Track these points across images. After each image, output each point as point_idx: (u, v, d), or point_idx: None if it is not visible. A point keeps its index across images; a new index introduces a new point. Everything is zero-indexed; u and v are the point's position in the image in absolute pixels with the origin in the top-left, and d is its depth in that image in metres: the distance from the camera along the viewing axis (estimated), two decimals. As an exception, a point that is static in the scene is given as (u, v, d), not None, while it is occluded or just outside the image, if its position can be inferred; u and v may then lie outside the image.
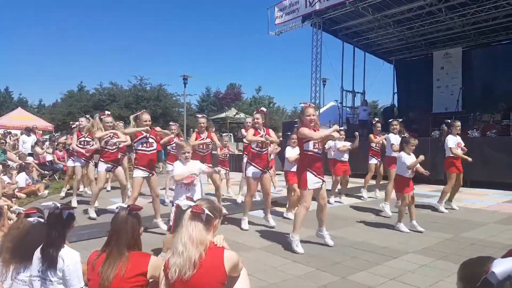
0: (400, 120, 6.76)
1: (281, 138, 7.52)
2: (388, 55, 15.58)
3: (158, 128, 5.17)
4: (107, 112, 5.99)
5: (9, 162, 8.40)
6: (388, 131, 6.60)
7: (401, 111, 14.76)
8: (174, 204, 3.58)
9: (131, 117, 5.03)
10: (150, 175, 4.77)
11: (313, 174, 3.97)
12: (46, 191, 7.82)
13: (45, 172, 10.04)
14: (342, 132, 6.91)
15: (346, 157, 6.94)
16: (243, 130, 7.14)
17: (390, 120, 6.79)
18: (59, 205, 2.16)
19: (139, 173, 4.73)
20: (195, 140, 5.44)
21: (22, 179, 7.65)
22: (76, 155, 6.81)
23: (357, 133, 7.35)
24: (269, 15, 13.72)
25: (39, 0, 67.95)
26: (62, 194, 7.62)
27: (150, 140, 4.79)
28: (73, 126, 8.20)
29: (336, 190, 7.38)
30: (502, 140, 8.86)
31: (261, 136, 4.92)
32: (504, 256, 1.10)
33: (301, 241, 4.15)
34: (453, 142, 6.11)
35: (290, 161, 5.40)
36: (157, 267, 1.93)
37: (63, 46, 72.64)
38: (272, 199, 5.53)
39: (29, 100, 45.07)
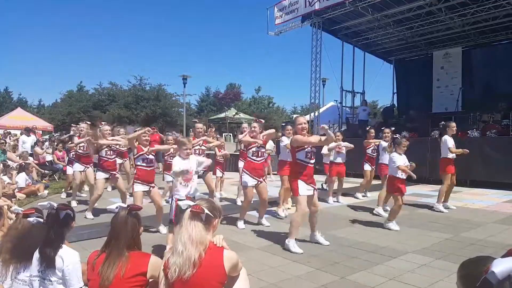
0: (393, 128, 6.82)
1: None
2: (388, 55, 15.57)
3: (157, 146, 5.40)
4: (103, 122, 6.28)
5: (9, 162, 8.40)
6: (381, 137, 6.73)
7: (400, 111, 14.76)
8: (174, 199, 3.64)
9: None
10: (151, 188, 4.82)
11: (304, 182, 4.03)
12: (46, 191, 7.82)
13: (46, 171, 10.05)
14: (338, 134, 7.08)
15: (340, 159, 6.98)
16: (240, 135, 7.19)
17: (382, 128, 6.92)
18: (55, 205, 2.15)
19: (139, 187, 4.75)
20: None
21: (22, 179, 7.65)
22: (75, 159, 6.85)
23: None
24: (269, 15, 13.73)
25: (39, 0, 67.94)
26: (63, 195, 7.64)
27: (150, 157, 4.87)
28: (72, 128, 8.25)
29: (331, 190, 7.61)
30: (502, 140, 8.86)
31: (257, 147, 5.11)
32: (504, 256, 1.10)
33: (301, 241, 4.19)
34: (452, 142, 6.17)
35: (287, 148, 5.43)
36: (157, 267, 1.93)
37: (63, 46, 72.76)
38: (269, 199, 5.58)
39: (29, 100, 45.15)
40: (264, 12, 13.85)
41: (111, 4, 72.21)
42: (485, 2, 10.44)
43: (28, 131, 11.66)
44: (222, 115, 23.78)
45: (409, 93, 14.92)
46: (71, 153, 7.23)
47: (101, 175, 5.80)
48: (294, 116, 4.51)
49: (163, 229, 4.75)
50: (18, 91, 57.35)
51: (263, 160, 5.22)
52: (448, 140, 6.17)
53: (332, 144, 6.75)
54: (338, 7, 11.79)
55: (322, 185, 8.69)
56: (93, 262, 1.93)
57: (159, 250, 3.86)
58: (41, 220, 2.27)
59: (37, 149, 10.40)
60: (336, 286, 3.05)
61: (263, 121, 5.42)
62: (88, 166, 6.70)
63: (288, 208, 5.99)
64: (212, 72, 72.42)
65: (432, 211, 6.10)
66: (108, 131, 5.92)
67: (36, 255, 2.03)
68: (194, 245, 1.78)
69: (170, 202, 3.97)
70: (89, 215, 5.69)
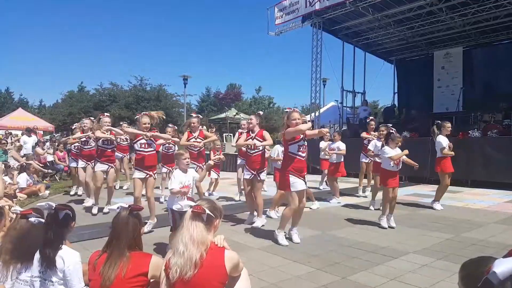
0: (390, 125, 6.82)
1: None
2: (389, 55, 15.56)
3: (157, 133, 5.31)
4: (106, 114, 6.28)
5: (11, 163, 8.41)
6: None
7: (401, 111, 14.74)
8: (169, 210, 3.72)
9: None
10: (148, 176, 4.84)
11: (296, 176, 4.05)
12: (47, 192, 7.84)
13: (49, 171, 10.09)
14: (335, 134, 7.28)
15: (333, 158, 7.05)
16: (237, 134, 7.32)
17: (380, 125, 6.99)
18: (54, 205, 2.15)
19: (137, 174, 4.86)
20: (187, 138, 5.72)
21: (23, 179, 7.67)
22: (80, 156, 6.86)
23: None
24: (269, 15, 13.72)
25: (39, 1, 68.06)
26: (78, 192, 7.75)
27: (149, 141, 4.91)
28: (73, 127, 8.25)
29: (321, 188, 8.15)
30: (503, 140, 8.85)
31: (252, 139, 5.12)
32: (505, 256, 1.10)
33: (302, 241, 4.20)
34: (446, 142, 6.20)
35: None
36: (158, 267, 1.93)
37: (63, 46, 72.78)
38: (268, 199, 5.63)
39: (30, 101, 45.17)
40: (265, 12, 13.87)
41: (111, 4, 72.33)
42: (486, 1, 10.42)
43: (29, 131, 11.69)
44: (223, 115, 23.75)
45: (410, 93, 14.90)
46: (73, 148, 7.26)
47: (99, 167, 5.89)
48: (287, 109, 4.31)
49: (149, 225, 4.70)
50: (19, 92, 57.43)
51: (256, 153, 5.13)
52: (443, 140, 6.21)
53: (323, 144, 7.45)
54: (339, 7, 11.79)
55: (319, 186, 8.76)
56: (94, 262, 1.94)
57: (160, 250, 3.86)
58: (42, 220, 2.27)
59: (38, 149, 10.42)
60: (337, 286, 3.05)
61: (261, 112, 5.43)
62: (89, 163, 6.52)
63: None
64: (213, 72, 72.45)
65: (432, 211, 6.10)
66: (108, 123, 5.93)
67: (37, 255, 2.03)
68: (196, 246, 1.78)
69: (167, 209, 3.98)
70: (95, 209, 5.92)
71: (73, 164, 7.77)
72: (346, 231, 4.84)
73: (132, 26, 74.01)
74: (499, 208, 6.38)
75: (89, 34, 71.27)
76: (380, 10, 11.59)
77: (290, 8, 13.13)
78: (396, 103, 15.73)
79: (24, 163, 8.54)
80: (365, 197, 7.44)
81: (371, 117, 7.53)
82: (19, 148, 10.48)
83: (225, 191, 8.37)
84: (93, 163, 6.58)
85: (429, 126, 10.21)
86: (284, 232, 4.30)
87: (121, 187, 8.83)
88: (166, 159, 7.22)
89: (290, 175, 4.05)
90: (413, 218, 5.63)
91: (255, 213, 5.19)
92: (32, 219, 2.24)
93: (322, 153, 7.76)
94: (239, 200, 7.17)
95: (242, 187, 6.12)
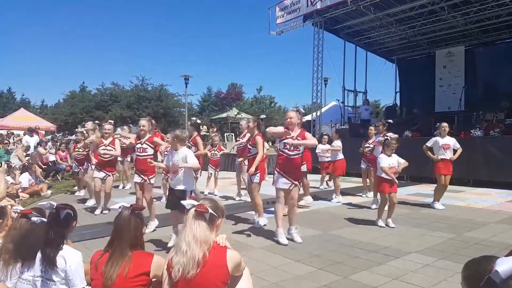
0: (387, 121, 6.89)
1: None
2: (390, 54, 15.53)
3: (156, 139, 5.23)
4: (109, 121, 6.47)
5: (13, 163, 8.44)
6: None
7: (403, 110, 14.72)
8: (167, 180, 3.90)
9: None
10: (142, 181, 4.91)
11: (281, 174, 4.27)
12: (49, 191, 7.86)
13: (54, 170, 10.14)
14: (325, 137, 7.97)
15: (327, 155, 7.65)
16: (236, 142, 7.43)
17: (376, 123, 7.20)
18: (55, 204, 2.15)
19: (135, 178, 5.04)
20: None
21: (25, 179, 7.70)
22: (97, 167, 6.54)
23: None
24: (270, 14, 13.71)
25: (42, 4, 68.23)
26: (82, 193, 7.74)
27: (144, 146, 4.98)
28: (77, 130, 8.36)
29: (322, 187, 8.33)
30: (505, 139, 8.81)
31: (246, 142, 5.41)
32: (507, 255, 1.09)
33: (305, 241, 4.19)
34: (442, 142, 6.28)
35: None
36: (160, 267, 1.93)
37: (64, 46, 73.02)
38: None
39: (32, 101, 45.29)
40: (266, 12, 13.87)
41: (111, 4, 72.43)
42: (488, 0, 10.38)
43: (31, 131, 11.73)
44: (224, 115, 23.76)
45: (412, 92, 14.87)
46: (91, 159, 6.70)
47: (97, 174, 5.96)
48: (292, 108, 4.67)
49: (151, 226, 4.76)
50: (21, 92, 57.47)
51: (252, 156, 5.20)
52: (436, 141, 6.32)
53: (321, 147, 7.88)
54: (340, 6, 11.77)
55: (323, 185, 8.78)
56: (96, 262, 1.94)
57: (160, 244, 3.86)
58: (45, 219, 2.27)
59: (40, 149, 10.45)
60: (338, 286, 3.04)
61: (264, 116, 5.61)
62: (109, 174, 6.13)
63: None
64: (214, 72, 72.45)
65: (434, 211, 6.08)
66: (107, 131, 5.98)
67: (39, 255, 2.04)
68: (199, 245, 1.78)
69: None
70: (97, 211, 5.99)
71: (77, 169, 7.74)
72: (347, 231, 4.83)
73: (132, 26, 74.20)
74: (501, 207, 6.36)
75: (89, 34, 71.53)
76: (382, 9, 11.56)
77: (291, 8, 13.12)
78: (398, 102, 15.71)
79: (27, 163, 8.57)
80: (367, 197, 7.45)
81: (371, 127, 7.34)
82: (27, 149, 10.48)
83: (225, 190, 8.38)
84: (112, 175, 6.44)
85: (431, 126, 10.25)
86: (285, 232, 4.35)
87: (123, 187, 8.88)
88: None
89: (275, 172, 4.36)
90: (415, 217, 5.62)
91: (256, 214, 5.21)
92: (34, 219, 2.25)
93: (321, 154, 7.92)
94: (240, 200, 7.18)
95: (243, 187, 6.15)
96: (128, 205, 2.08)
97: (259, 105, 41.32)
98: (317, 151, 7.87)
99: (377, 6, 11.41)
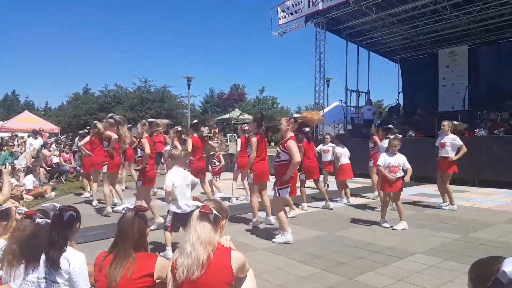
0: (387, 127, 6.86)
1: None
2: (393, 54, 15.48)
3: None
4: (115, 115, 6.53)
5: (17, 165, 8.49)
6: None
7: (406, 110, 14.65)
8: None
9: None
10: (136, 184, 5.18)
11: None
12: (53, 193, 7.89)
13: (58, 172, 10.19)
14: (327, 136, 8.03)
15: (328, 157, 7.65)
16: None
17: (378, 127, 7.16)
18: (58, 206, 2.15)
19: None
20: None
21: (29, 181, 7.73)
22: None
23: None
24: (272, 15, 13.74)
25: (43, 5, 68.71)
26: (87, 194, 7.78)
27: (139, 148, 5.28)
28: (84, 131, 8.42)
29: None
30: (510, 139, 8.74)
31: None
32: (515, 256, 1.08)
33: (307, 242, 4.19)
34: (439, 141, 6.32)
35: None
36: (164, 268, 1.93)
37: (65, 47, 73.71)
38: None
39: (36, 103, 45.76)
40: (267, 12, 13.90)
41: (114, 6, 72.88)
42: (490, -1, 10.33)
43: (35, 133, 11.78)
44: (226, 116, 23.80)
45: (415, 92, 14.80)
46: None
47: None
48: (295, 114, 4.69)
49: (154, 224, 4.82)
50: (25, 94, 58.24)
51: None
52: (438, 140, 6.36)
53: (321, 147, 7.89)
54: (342, 7, 11.76)
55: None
56: (100, 263, 1.94)
57: (160, 246, 3.86)
58: (49, 221, 2.28)
59: (45, 151, 10.50)
60: (343, 287, 3.03)
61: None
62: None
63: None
64: (215, 72, 72.89)
65: (439, 212, 6.04)
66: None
67: (43, 257, 2.04)
68: (203, 246, 1.77)
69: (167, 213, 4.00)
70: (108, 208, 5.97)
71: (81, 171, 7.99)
72: (351, 232, 4.81)
73: (132, 26, 74.63)
74: (507, 207, 6.30)
75: (89, 34, 72.21)
76: (384, 9, 11.53)
77: (293, 8, 13.13)
78: (401, 102, 15.64)
79: (31, 165, 8.62)
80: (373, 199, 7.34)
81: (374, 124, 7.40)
82: (37, 152, 10.47)
83: (228, 192, 8.37)
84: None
85: (435, 125, 10.19)
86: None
87: (127, 188, 8.89)
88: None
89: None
90: (419, 218, 5.59)
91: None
92: (39, 220, 2.25)
93: (323, 155, 7.91)
94: (245, 201, 7.16)
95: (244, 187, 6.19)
96: (132, 207, 2.08)
97: (261, 106, 41.37)
98: (317, 149, 7.82)
99: (379, 6, 11.38)
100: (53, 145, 12.01)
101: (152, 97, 25.88)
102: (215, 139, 11.33)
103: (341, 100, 14.70)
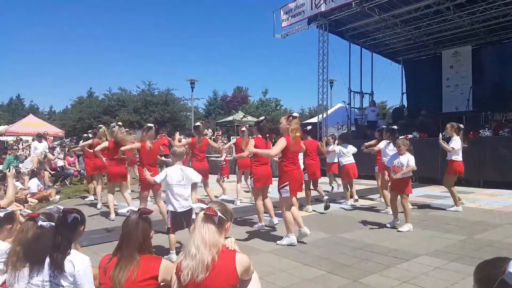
0: (392, 128, 6.77)
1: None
2: (396, 55, 15.45)
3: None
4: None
5: (23, 169, 8.56)
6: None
7: (410, 111, 14.59)
8: (168, 210, 3.81)
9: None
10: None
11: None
12: (58, 196, 7.94)
13: (62, 176, 10.25)
14: (329, 138, 8.17)
15: (332, 158, 7.86)
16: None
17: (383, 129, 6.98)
18: (62, 208, 2.16)
19: None
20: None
21: (34, 184, 7.79)
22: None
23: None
24: (275, 18, 13.75)
25: (43, 5, 69.38)
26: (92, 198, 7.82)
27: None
28: (89, 134, 8.47)
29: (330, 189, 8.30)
30: (515, 139, 8.67)
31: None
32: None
33: (311, 244, 4.17)
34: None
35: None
36: (168, 271, 1.92)
37: (66, 47, 74.15)
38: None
39: (40, 107, 46.16)
40: (268, 14, 13.99)
41: (111, 4, 73.38)
42: (494, -1, 10.28)
43: (39, 137, 11.86)
44: (230, 118, 23.84)
45: (419, 93, 14.74)
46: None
47: None
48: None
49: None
50: (29, 98, 58.54)
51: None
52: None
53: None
54: (345, 8, 11.75)
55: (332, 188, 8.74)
56: (105, 266, 1.94)
57: (162, 252, 3.86)
58: (53, 224, 2.28)
59: (49, 154, 10.58)
60: (348, 290, 3.02)
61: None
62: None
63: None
64: (217, 74, 72.83)
65: (445, 213, 5.99)
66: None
67: (48, 260, 2.05)
68: (208, 248, 1.77)
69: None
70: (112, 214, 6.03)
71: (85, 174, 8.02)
72: (356, 234, 4.79)
73: (133, 26, 75.08)
74: (513, 208, 6.24)
75: (89, 34, 72.70)
76: (387, 10, 11.51)
77: (295, 11, 13.14)
78: (404, 103, 15.58)
79: (35, 168, 8.68)
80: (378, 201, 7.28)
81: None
82: (44, 157, 10.54)
83: (233, 194, 8.37)
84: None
85: (439, 126, 10.13)
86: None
87: (132, 191, 8.91)
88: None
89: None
90: (424, 219, 5.54)
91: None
92: (43, 223, 2.26)
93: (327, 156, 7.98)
94: (251, 203, 7.16)
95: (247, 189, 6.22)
96: (136, 209, 2.08)
97: (264, 108, 41.36)
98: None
99: (382, 8, 11.36)
100: (58, 149, 12.10)
101: (156, 100, 25.96)
102: (219, 141, 11.36)
103: (344, 102, 14.66)
